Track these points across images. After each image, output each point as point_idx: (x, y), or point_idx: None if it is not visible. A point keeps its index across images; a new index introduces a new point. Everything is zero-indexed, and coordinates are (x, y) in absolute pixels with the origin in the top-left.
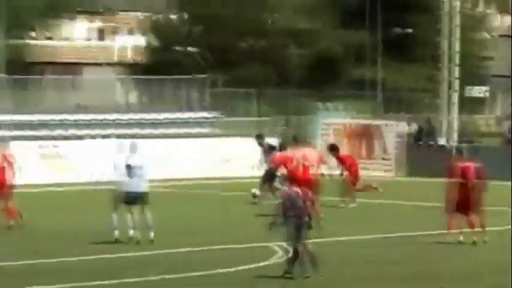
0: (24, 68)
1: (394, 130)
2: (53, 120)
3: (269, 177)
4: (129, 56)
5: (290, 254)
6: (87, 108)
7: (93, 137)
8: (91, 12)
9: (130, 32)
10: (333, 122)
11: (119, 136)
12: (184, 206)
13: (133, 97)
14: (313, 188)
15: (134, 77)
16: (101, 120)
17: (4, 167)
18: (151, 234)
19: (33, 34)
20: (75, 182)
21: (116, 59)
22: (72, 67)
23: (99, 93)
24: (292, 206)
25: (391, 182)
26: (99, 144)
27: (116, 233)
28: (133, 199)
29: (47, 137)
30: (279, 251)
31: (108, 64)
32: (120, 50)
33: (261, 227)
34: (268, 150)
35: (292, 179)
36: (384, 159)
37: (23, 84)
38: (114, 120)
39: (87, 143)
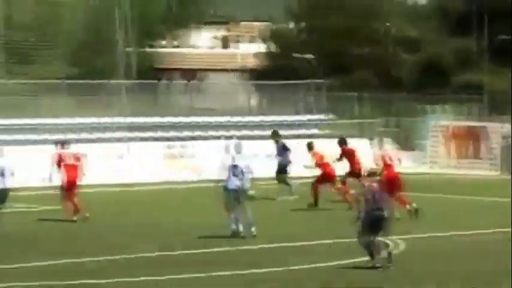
0: (154, 74)
1: (499, 131)
2: (181, 122)
3: (281, 171)
4: (251, 62)
5: (371, 248)
6: (212, 111)
7: (217, 137)
8: (217, 22)
9: (252, 40)
10: (441, 124)
11: (240, 137)
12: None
13: (254, 101)
14: (397, 185)
15: (255, 82)
16: (225, 122)
17: (76, 165)
18: (253, 229)
19: (162, 42)
20: (199, 180)
21: (238, 65)
22: (198, 73)
23: (222, 97)
24: (372, 200)
25: (496, 180)
26: (222, 145)
27: (233, 227)
28: (237, 197)
29: (174, 138)
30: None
31: (232, 70)
32: (243, 57)
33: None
34: (282, 149)
35: (375, 174)
36: (489, 159)
37: (152, 89)
38: (236, 122)
39: (212, 143)
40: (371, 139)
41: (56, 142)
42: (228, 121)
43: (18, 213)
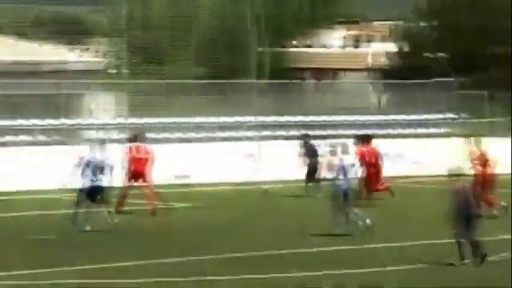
0: (285, 74)
1: None
2: (312, 121)
3: (311, 172)
4: (382, 61)
5: (464, 246)
6: (343, 110)
7: (347, 136)
8: (347, 22)
9: (383, 39)
10: None
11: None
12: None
13: (384, 99)
14: (489, 185)
15: (385, 81)
16: (354, 121)
17: (145, 159)
18: (369, 221)
19: (294, 42)
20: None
21: (369, 64)
22: (329, 72)
23: (353, 96)
24: (464, 199)
25: None
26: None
27: (344, 226)
28: (344, 195)
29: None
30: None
31: (362, 69)
32: (374, 56)
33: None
34: (310, 150)
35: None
36: None
37: (284, 88)
38: (365, 121)
39: (342, 141)
40: (467, 137)
41: (130, 137)
42: (357, 120)
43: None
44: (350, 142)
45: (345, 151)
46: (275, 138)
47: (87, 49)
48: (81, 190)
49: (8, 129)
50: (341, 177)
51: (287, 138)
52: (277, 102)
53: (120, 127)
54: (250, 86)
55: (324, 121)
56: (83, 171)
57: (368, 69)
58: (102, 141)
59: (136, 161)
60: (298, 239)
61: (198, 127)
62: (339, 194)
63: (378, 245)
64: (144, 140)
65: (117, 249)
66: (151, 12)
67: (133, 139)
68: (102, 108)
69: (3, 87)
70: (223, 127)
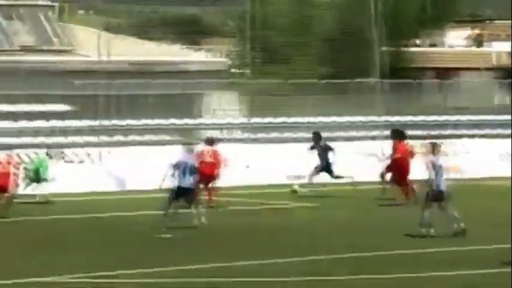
0: (408, 73)
1: None
2: (435, 121)
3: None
4: (505, 61)
5: None
6: (465, 110)
7: (469, 136)
8: (470, 21)
9: (507, 38)
10: None
11: (483, 136)
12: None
13: (508, 99)
14: None
15: (509, 80)
16: (478, 120)
17: (214, 162)
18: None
19: (416, 42)
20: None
21: (492, 64)
22: (452, 72)
23: (475, 96)
24: None
25: None
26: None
27: (427, 228)
28: (437, 196)
29: (428, 136)
30: None
31: (485, 69)
32: (497, 55)
33: None
34: (324, 148)
35: None
36: None
37: (406, 88)
38: (490, 120)
39: (465, 142)
40: None
41: (206, 140)
42: (480, 120)
43: (271, 210)
44: (446, 142)
45: (438, 150)
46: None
47: (209, 49)
48: (172, 190)
49: (132, 129)
50: (437, 177)
51: (411, 138)
52: (399, 102)
53: (243, 127)
54: (372, 85)
55: (447, 121)
56: (175, 172)
57: (491, 69)
58: (192, 143)
59: (208, 164)
60: (395, 239)
61: (320, 127)
62: (437, 195)
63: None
64: (215, 143)
65: (237, 248)
66: (273, 12)
67: (209, 142)
68: (224, 107)
69: (127, 87)
70: (345, 127)
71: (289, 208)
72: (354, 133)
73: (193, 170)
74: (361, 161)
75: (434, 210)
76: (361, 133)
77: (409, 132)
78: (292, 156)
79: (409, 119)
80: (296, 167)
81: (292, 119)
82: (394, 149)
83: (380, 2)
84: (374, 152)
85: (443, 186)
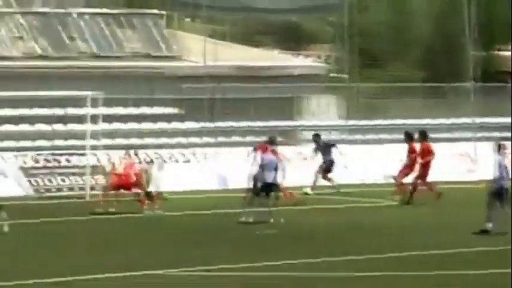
0: (501, 77)
1: None
2: None
3: (327, 168)
4: None
5: None
6: None
7: None
8: None
9: None
10: None
11: None
12: None
13: None
14: None
15: None
16: None
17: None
18: None
19: (510, 46)
20: None
21: None
22: None
23: None
24: None
25: None
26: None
27: (489, 225)
28: (501, 195)
29: None
30: None
31: None
32: None
33: None
34: (325, 147)
35: None
36: None
37: (499, 91)
38: None
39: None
40: None
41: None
42: None
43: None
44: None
45: (504, 151)
46: (488, 139)
47: (308, 55)
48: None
49: (235, 131)
50: (502, 175)
51: (502, 139)
52: (493, 105)
53: (341, 129)
54: (467, 88)
55: None
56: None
57: None
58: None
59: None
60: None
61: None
62: (499, 193)
63: None
64: (276, 143)
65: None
66: (370, 19)
67: (270, 143)
68: (324, 110)
69: (232, 90)
70: (439, 129)
71: (382, 206)
72: (448, 135)
73: (275, 167)
74: (456, 162)
75: (497, 208)
76: (456, 134)
77: (500, 134)
78: (387, 157)
79: (502, 120)
80: (392, 167)
81: (387, 121)
82: (422, 150)
83: (474, 8)
84: (466, 152)
85: (506, 185)
